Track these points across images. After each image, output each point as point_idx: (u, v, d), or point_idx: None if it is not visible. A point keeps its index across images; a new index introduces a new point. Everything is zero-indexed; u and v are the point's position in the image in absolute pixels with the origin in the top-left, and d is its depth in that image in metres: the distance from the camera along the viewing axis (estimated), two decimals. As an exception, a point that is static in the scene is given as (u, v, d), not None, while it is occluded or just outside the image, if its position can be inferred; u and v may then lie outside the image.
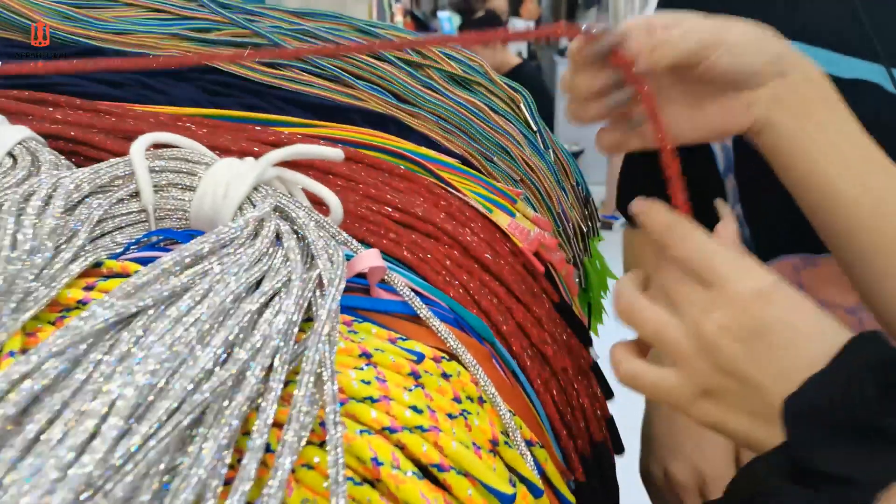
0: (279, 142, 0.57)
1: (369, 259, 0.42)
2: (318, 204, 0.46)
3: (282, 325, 0.33)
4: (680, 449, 0.69)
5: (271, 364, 0.32)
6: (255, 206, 0.43)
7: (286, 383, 0.32)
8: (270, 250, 0.39)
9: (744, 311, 0.37)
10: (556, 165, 0.72)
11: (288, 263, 0.38)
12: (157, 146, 0.47)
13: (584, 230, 0.73)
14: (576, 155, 4.83)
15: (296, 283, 0.36)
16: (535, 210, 0.66)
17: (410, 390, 0.35)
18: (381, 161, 0.56)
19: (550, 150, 0.72)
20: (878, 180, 0.45)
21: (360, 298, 0.42)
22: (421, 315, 0.42)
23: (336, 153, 0.47)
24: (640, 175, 0.76)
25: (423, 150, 0.60)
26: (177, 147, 0.47)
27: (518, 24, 4.97)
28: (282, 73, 0.64)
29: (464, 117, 0.65)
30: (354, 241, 0.44)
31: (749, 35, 0.43)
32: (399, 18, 4.89)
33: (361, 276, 0.44)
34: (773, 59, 0.44)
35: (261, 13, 0.69)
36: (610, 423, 0.57)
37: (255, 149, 0.53)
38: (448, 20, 4.69)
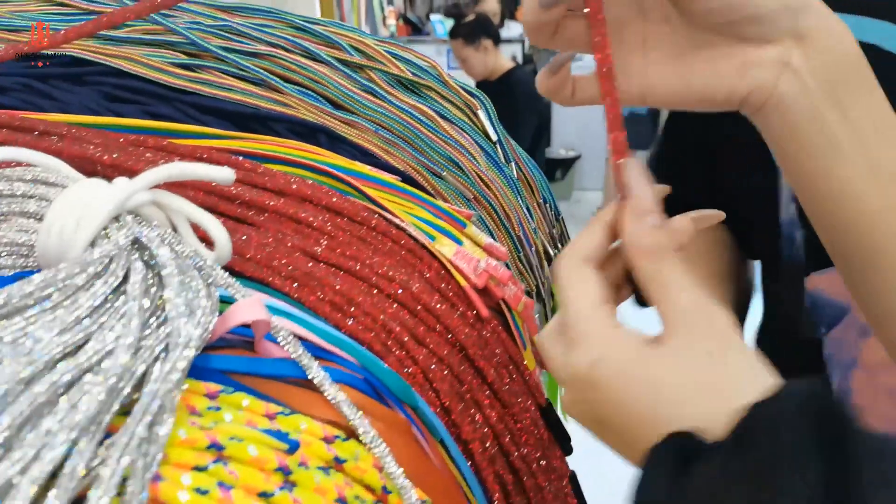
0: (187, 158, 0.48)
1: (246, 311, 0.33)
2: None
3: (79, 420, 0.24)
4: None
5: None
6: (109, 239, 0.34)
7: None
8: (107, 304, 0.30)
9: (580, 391, 0.34)
10: (520, 181, 0.63)
11: (122, 321, 0.29)
12: (4, 164, 0.38)
13: (552, 254, 0.65)
14: (572, 161, 4.75)
15: (119, 355, 0.27)
16: (490, 234, 0.57)
17: (270, 496, 0.26)
18: (300, 181, 0.47)
19: (513, 164, 0.63)
20: None
21: (237, 359, 0.34)
22: (311, 378, 0.33)
23: (224, 174, 0.38)
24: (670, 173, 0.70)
25: (356, 165, 0.51)
26: (31, 166, 0.39)
27: (514, 27, 4.88)
28: (199, 75, 0.55)
29: (409, 126, 0.57)
30: (238, 285, 0.35)
31: None
32: (392, 21, 4.82)
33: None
34: (793, 8, 0.34)
35: (180, 7, 0.60)
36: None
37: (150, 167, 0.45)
38: (441, 23, 4.60)
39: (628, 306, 0.40)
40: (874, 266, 0.35)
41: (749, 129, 0.38)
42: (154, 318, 0.31)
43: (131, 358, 0.27)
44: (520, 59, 4.58)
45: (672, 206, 0.61)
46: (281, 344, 0.34)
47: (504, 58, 3.50)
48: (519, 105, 3.30)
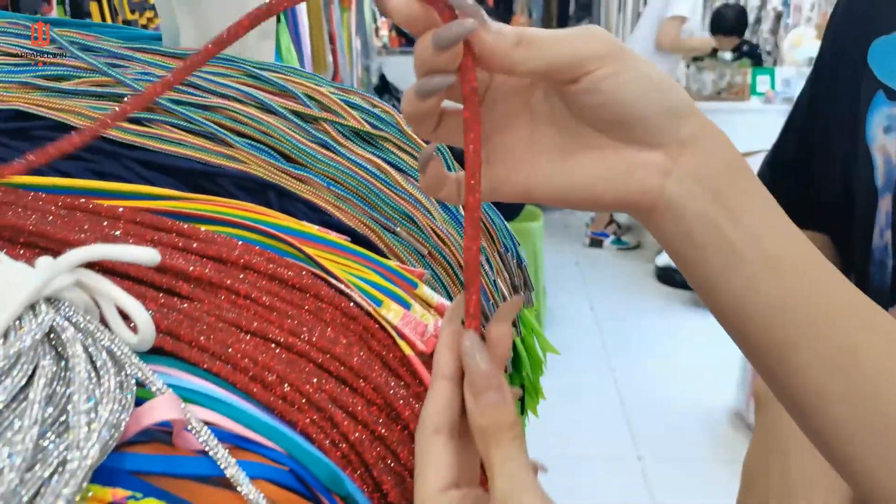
0: (125, 223, 0.47)
1: (159, 410, 0.32)
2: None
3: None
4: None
5: None
6: (21, 331, 0.33)
7: None
8: (6, 412, 0.29)
9: None
10: (480, 231, 0.62)
11: (18, 435, 0.28)
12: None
13: (514, 305, 0.63)
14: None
15: (6, 477, 0.26)
16: (445, 291, 0.56)
17: None
18: (241, 248, 0.46)
19: (473, 214, 0.62)
20: (816, 284, 0.34)
21: (151, 459, 0.32)
22: (228, 475, 0.32)
23: (148, 257, 0.37)
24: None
25: (304, 226, 0.50)
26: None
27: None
28: (148, 129, 0.54)
29: (362, 181, 0.56)
30: (156, 378, 0.34)
31: (655, 75, 0.33)
32: (384, 32, 4.81)
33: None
34: (676, 114, 0.34)
35: (131, 57, 0.59)
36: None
37: (82, 237, 0.44)
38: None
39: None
40: (785, 360, 0.35)
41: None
42: (56, 424, 0.30)
43: (21, 480, 0.26)
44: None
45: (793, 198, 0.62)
46: (199, 440, 0.33)
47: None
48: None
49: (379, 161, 0.57)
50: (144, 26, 1.27)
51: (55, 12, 1.06)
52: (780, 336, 0.34)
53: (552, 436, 2.51)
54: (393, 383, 0.44)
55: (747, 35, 4.72)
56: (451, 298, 0.56)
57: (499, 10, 5.64)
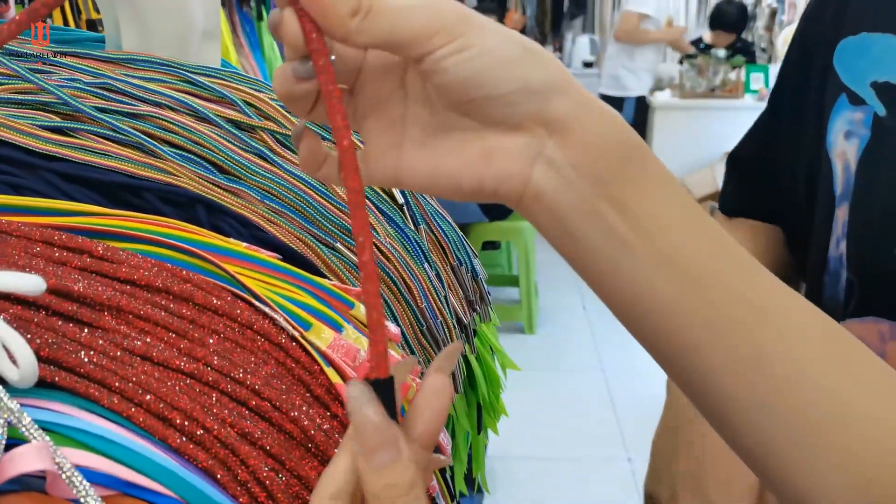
0: (34, 243, 0.44)
1: (26, 460, 0.29)
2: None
3: None
4: (701, 480, 0.61)
5: None
6: None
7: None
8: None
9: None
10: (430, 244, 0.59)
11: None
12: None
13: (467, 321, 0.61)
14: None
15: None
16: (389, 309, 0.53)
17: None
18: (156, 270, 0.43)
19: (423, 226, 0.59)
20: (720, 284, 0.31)
21: (15, 512, 0.29)
22: (105, 535, 0.29)
23: (32, 286, 0.34)
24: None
25: (230, 243, 0.47)
26: None
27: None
28: (71, 139, 0.51)
29: (299, 193, 0.53)
30: (30, 422, 0.31)
31: (508, 49, 0.29)
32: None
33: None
34: (537, 92, 0.30)
35: (57, 62, 0.56)
36: None
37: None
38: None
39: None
40: (686, 364, 0.32)
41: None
42: None
43: None
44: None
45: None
46: (75, 493, 0.30)
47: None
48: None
49: (318, 172, 0.54)
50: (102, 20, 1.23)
51: (13, 10, 1.03)
52: (679, 339, 0.31)
53: (541, 436, 2.49)
54: (316, 414, 0.41)
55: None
56: (395, 317, 0.53)
57: (492, 6, 5.59)
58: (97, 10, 1.17)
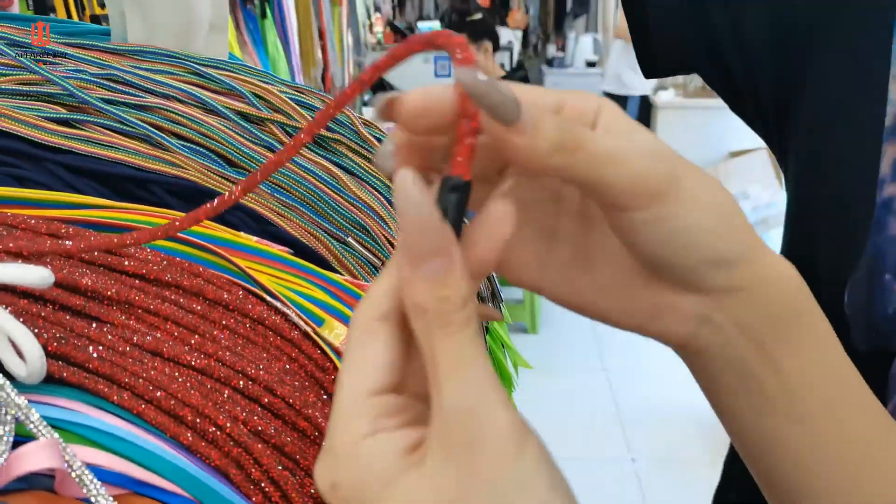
0: (41, 235, 0.43)
1: (34, 458, 0.28)
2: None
3: None
4: None
5: None
6: None
7: None
8: None
9: None
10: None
11: None
12: None
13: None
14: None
15: None
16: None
17: None
18: (166, 263, 0.42)
19: (435, 221, 0.58)
20: (852, 440, 0.30)
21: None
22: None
23: (39, 277, 0.33)
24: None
25: (241, 237, 0.46)
26: None
27: (504, 34, 4.83)
28: (77, 132, 0.50)
29: (310, 187, 0.51)
30: (38, 420, 0.30)
31: (710, 217, 0.27)
32: (379, 29, 4.76)
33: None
34: (728, 261, 0.27)
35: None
36: None
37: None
38: (429, 30, 4.54)
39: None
40: (804, 500, 0.31)
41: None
42: None
43: None
44: (507, 67, 4.53)
45: None
46: (85, 492, 0.29)
47: (495, 65, 3.44)
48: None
49: (329, 166, 0.53)
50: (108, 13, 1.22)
51: (17, 6, 1.02)
52: (801, 485, 0.31)
53: (544, 436, 2.47)
54: (329, 411, 0.40)
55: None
56: (406, 313, 0.52)
57: (495, 5, 5.59)
58: (101, 6, 1.16)
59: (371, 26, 4.45)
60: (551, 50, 5.15)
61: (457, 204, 0.24)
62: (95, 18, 1.15)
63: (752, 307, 0.29)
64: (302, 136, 0.29)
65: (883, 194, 0.45)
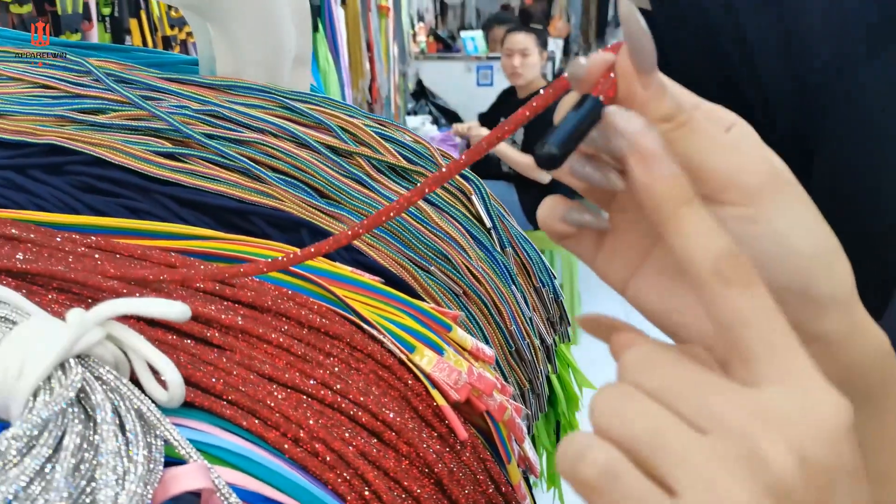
0: (159, 264, 0.47)
1: (187, 479, 0.31)
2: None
3: None
4: None
5: None
6: (52, 392, 0.33)
7: None
8: (32, 485, 0.28)
9: None
10: (516, 266, 0.61)
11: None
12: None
13: (550, 342, 0.62)
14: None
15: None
16: (480, 330, 0.55)
17: None
18: (274, 294, 0.45)
19: (509, 248, 0.61)
20: None
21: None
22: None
23: (178, 312, 0.36)
24: None
25: (337, 267, 0.50)
26: (-17, 297, 0.37)
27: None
28: (183, 165, 0.54)
29: (397, 218, 0.55)
30: (186, 443, 0.33)
31: (809, 237, 0.26)
32: (422, 38, 4.81)
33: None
34: (813, 299, 0.27)
35: (166, 90, 0.59)
36: None
37: (114, 285, 0.43)
38: (472, 40, 4.58)
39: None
40: None
41: None
42: (82, 495, 0.29)
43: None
44: (549, 77, 4.54)
45: None
46: (226, 509, 0.32)
47: (538, 75, 3.46)
48: (548, 125, 3.26)
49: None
50: (183, 41, 1.28)
51: (96, 29, 1.07)
52: None
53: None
54: (426, 436, 0.43)
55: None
56: (486, 339, 0.55)
57: (537, 13, 5.61)
58: (171, 27, 1.21)
59: (415, 36, 4.50)
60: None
61: (588, 113, 0.27)
62: (167, 40, 1.20)
63: (834, 362, 0.28)
64: (417, 192, 0.32)
65: None
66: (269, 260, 0.41)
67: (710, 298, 0.23)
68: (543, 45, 3.37)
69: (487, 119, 3.48)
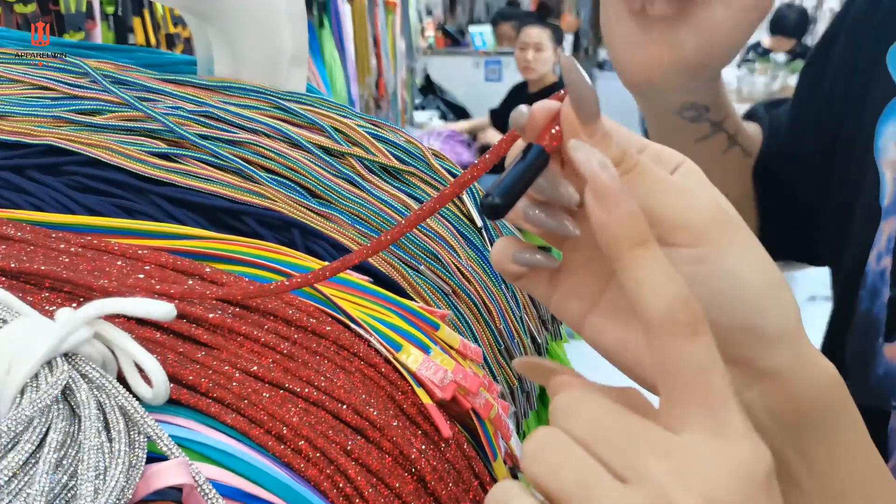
0: (149, 264, 0.48)
1: (168, 475, 0.32)
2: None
3: None
4: None
5: None
6: (38, 390, 0.34)
7: None
8: (14, 480, 0.29)
9: None
10: (507, 266, 0.61)
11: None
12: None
13: (541, 340, 0.63)
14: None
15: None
16: (469, 329, 0.56)
17: None
18: (262, 293, 0.46)
19: (500, 248, 0.61)
20: None
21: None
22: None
23: (164, 311, 0.37)
24: None
25: (324, 265, 0.50)
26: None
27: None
28: (177, 165, 0.55)
29: (387, 217, 0.55)
30: (168, 438, 0.34)
31: (751, 276, 0.27)
32: (430, 33, 4.81)
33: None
34: (760, 335, 0.28)
35: (162, 91, 0.60)
36: None
37: (105, 284, 0.44)
38: (480, 35, 4.58)
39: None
40: None
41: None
42: (64, 490, 0.30)
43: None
44: (558, 72, 4.53)
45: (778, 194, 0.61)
46: (207, 503, 0.33)
47: (549, 70, 3.45)
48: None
49: (404, 197, 0.57)
50: (187, 39, 1.29)
51: (99, 28, 1.08)
52: None
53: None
54: (410, 434, 0.44)
55: (800, 35, 4.61)
56: (475, 337, 0.56)
57: (545, 9, 5.60)
58: (175, 25, 1.22)
59: (423, 31, 4.50)
60: (602, 53, 5.14)
61: (533, 162, 0.27)
62: (170, 38, 1.21)
63: (785, 397, 0.29)
64: (428, 206, 0.33)
65: (879, 265, 0.50)
66: (301, 274, 0.42)
67: (656, 343, 0.24)
68: (558, 40, 3.38)
69: (499, 115, 3.48)
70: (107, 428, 0.34)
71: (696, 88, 0.56)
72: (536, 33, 3.30)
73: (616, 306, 0.31)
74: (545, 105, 0.28)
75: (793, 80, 4.02)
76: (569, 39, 5.05)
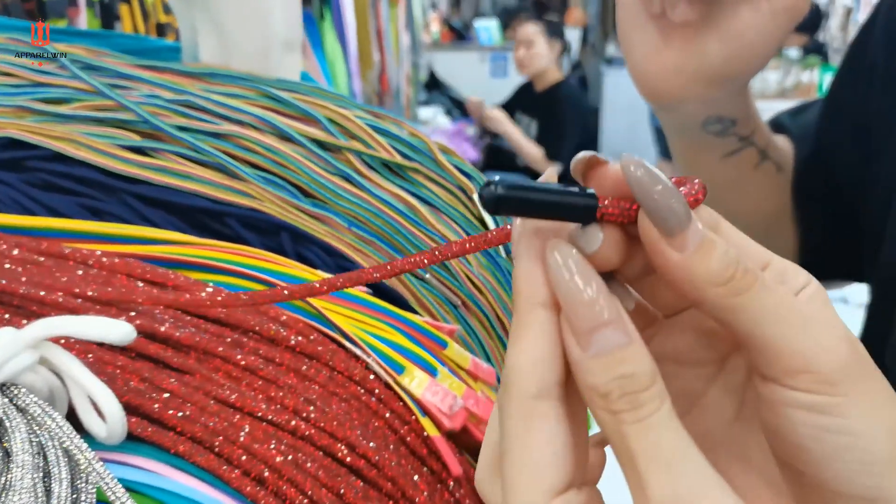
0: (117, 275, 0.41)
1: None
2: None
3: None
4: None
5: None
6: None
7: None
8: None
9: None
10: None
11: None
12: None
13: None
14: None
15: None
16: (480, 345, 0.50)
17: None
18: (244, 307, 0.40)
19: (514, 253, 0.55)
20: None
21: None
22: None
23: (121, 334, 0.31)
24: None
25: (317, 275, 0.44)
26: None
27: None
28: (152, 160, 0.49)
29: (387, 219, 0.49)
30: (119, 488, 0.28)
31: (889, 438, 0.21)
32: (435, 28, 4.73)
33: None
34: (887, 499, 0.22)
35: (138, 77, 0.54)
36: None
37: (59, 300, 0.38)
38: (486, 30, 4.50)
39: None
40: None
41: None
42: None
43: None
44: (566, 67, 4.46)
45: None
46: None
47: (554, 67, 3.39)
48: (566, 119, 3.20)
49: (407, 196, 0.51)
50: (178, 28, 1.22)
51: (84, 15, 1.02)
52: None
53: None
54: (413, 470, 0.38)
55: (811, 30, 4.53)
56: (486, 354, 0.50)
57: (553, 2, 5.52)
58: (166, 13, 1.16)
59: (427, 25, 4.43)
60: (611, 49, 5.06)
61: (573, 202, 0.21)
62: (160, 27, 1.15)
63: None
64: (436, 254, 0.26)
65: None
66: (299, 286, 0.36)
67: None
68: (554, 35, 3.31)
69: (505, 110, 3.41)
70: (48, 474, 0.28)
71: (722, 100, 0.51)
72: (526, 30, 3.25)
73: (716, 437, 0.26)
74: (614, 176, 0.22)
75: (805, 77, 3.95)
76: (577, 34, 4.97)
